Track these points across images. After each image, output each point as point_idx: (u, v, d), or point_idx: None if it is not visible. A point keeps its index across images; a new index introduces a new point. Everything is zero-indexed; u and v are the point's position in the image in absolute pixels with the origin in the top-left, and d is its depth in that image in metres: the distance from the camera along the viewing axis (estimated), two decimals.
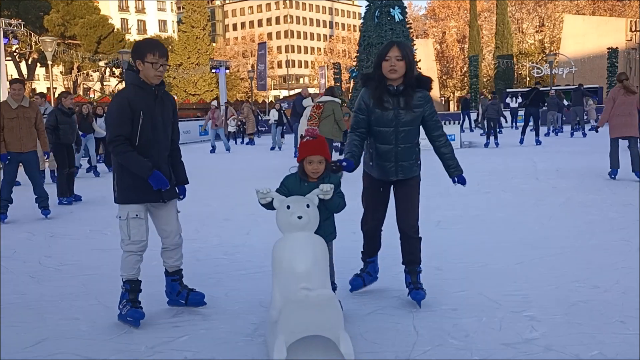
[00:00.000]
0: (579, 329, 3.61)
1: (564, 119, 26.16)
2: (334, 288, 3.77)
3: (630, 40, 49.10)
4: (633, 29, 48.92)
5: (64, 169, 9.77)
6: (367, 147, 4.13)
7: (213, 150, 20.60)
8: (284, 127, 22.57)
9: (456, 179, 4.10)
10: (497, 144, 18.64)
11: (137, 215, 3.89)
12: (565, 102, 27.21)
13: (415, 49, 29.03)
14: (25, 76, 49.57)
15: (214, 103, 21.85)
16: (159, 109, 3.98)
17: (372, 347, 3.43)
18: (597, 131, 13.03)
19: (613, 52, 43.83)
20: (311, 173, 3.66)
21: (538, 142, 18.81)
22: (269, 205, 3.56)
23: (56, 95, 14.87)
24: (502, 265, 5.13)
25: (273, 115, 22.65)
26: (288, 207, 3.44)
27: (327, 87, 12.52)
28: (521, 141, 19.08)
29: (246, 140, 26.40)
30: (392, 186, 4.19)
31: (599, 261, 5.17)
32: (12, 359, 3.46)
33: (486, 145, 18.69)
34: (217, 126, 20.92)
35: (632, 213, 7.30)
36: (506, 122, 26.50)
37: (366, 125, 4.01)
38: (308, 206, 3.45)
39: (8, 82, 8.73)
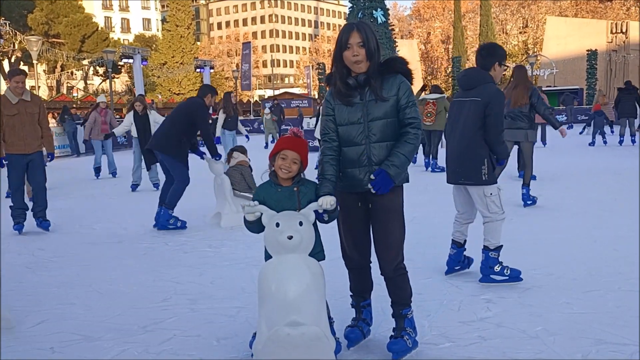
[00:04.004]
0: (529, 309, 4.02)
1: None
2: (331, 323, 3.30)
3: (611, 42, 49.94)
4: (614, 30, 49.76)
5: None
6: None
7: (98, 173, 13.49)
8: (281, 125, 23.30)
9: (376, 176, 3.14)
10: None
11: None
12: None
13: (398, 50, 29.71)
14: None
15: (102, 99, 14.35)
16: None
17: (337, 326, 3.75)
18: None
19: (592, 54, 44.65)
20: (280, 170, 3.12)
21: None
22: (259, 224, 3.06)
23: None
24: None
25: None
26: (277, 224, 2.93)
27: (432, 85, 13.51)
28: None
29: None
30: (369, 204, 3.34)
31: (559, 252, 5.57)
32: (14, 337, 3.79)
33: None
34: (101, 135, 13.25)
35: (596, 208, 7.75)
36: None
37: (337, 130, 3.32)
38: (301, 224, 2.94)
39: (8, 74, 7.14)
